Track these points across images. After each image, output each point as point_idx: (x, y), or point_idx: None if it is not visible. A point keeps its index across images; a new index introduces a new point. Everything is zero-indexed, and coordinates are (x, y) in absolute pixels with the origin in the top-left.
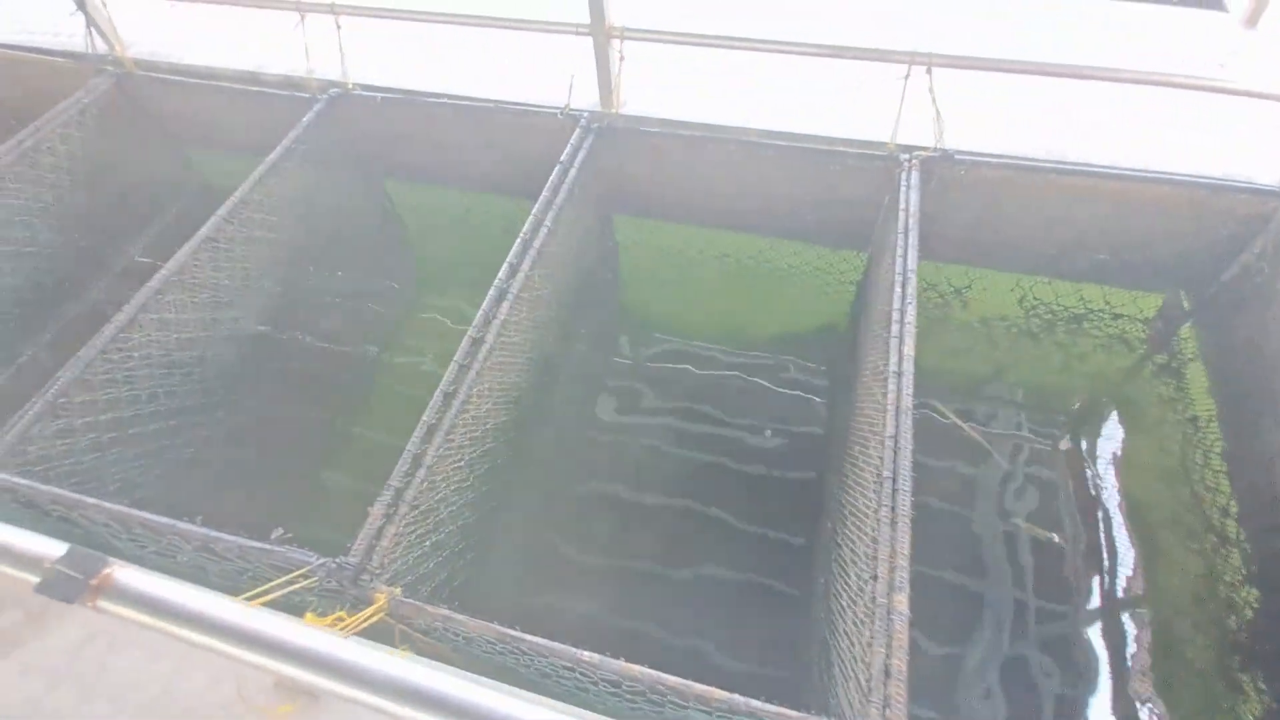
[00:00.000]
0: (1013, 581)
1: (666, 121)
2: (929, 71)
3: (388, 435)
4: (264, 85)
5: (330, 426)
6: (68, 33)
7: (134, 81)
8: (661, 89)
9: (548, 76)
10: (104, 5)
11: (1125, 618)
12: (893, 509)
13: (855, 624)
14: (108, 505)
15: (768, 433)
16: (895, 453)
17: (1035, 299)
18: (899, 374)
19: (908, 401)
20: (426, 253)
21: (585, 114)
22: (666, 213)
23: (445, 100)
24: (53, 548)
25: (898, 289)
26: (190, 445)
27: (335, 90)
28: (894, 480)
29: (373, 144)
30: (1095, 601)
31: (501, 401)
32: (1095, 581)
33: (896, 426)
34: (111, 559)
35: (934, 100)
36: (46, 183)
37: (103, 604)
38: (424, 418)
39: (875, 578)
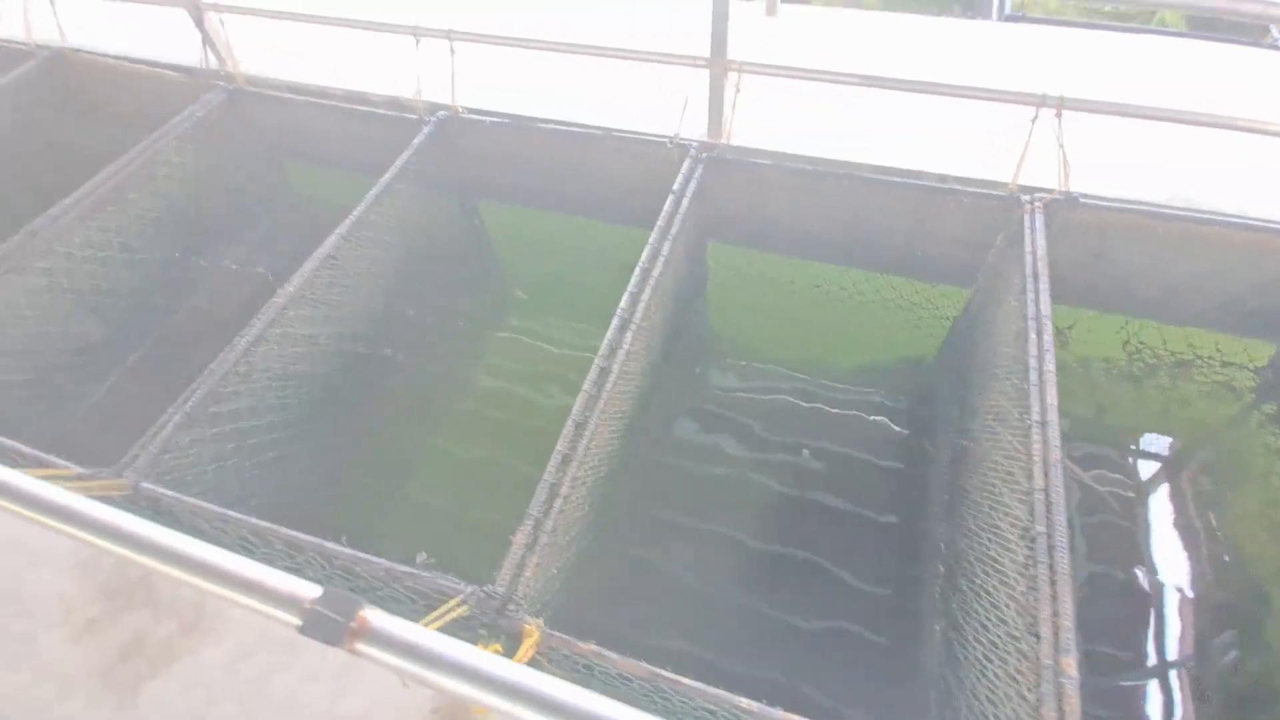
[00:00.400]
0: (1107, 629)
1: (776, 154)
2: (1058, 115)
3: (472, 451)
4: (371, 105)
5: (419, 442)
6: (182, 47)
7: (243, 97)
8: (771, 120)
9: (638, 103)
10: (222, 25)
11: (1226, 671)
12: (1050, 567)
13: (1006, 679)
14: (252, 520)
15: (805, 453)
16: (1048, 508)
17: (1140, 343)
18: (1043, 424)
19: (1056, 454)
20: (513, 273)
21: (694, 144)
22: (763, 242)
23: (554, 125)
24: (306, 588)
25: (1032, 335)
26: (294, 458)
27: (443, 113)
28: (1049, 537)
29: (473, 166)
30: (1196, 654)
31: (616, 430)
32: (1197, 633)
33: (1046, 481)
34: (361, 599)
35: (1061, 144)
36: (161, 193)
37: (360, 647)
38: (558, 447)
39: (1038, 637)
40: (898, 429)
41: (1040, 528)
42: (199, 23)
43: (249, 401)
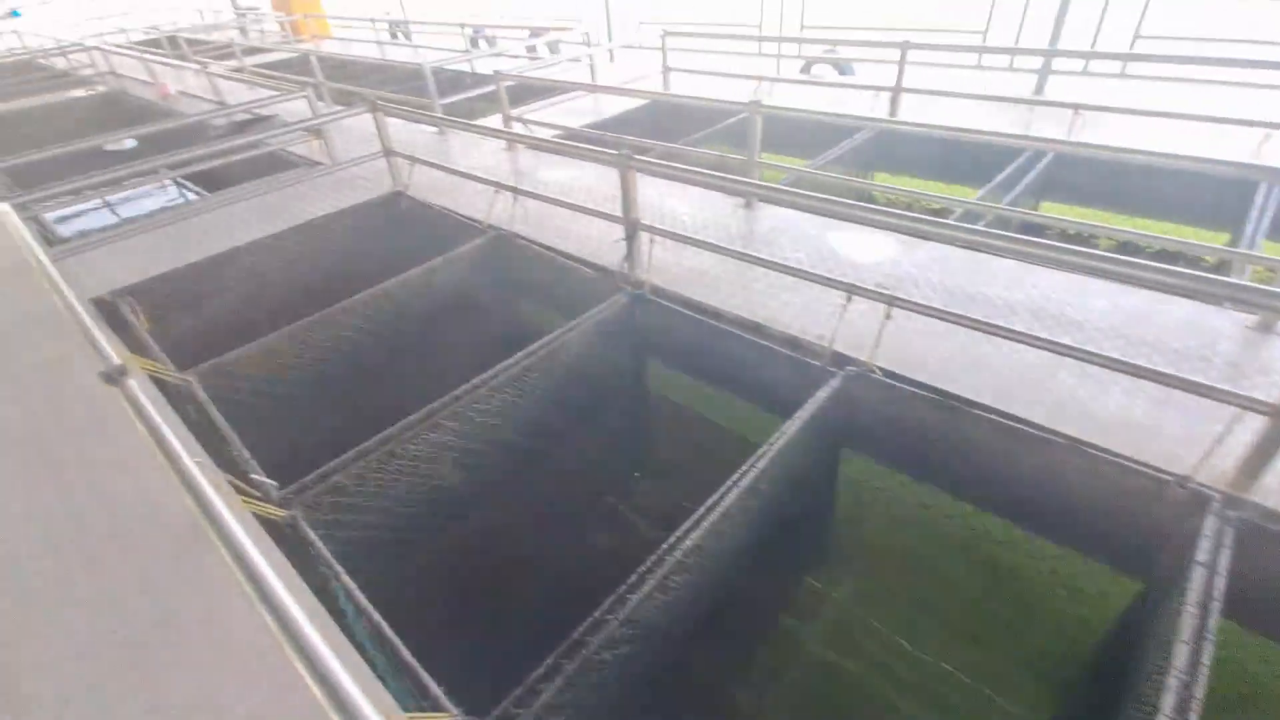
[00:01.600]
0: None
1: None
2: None
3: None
4: (768, 339)
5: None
6: (603, 249)
7: (644, 303)
8: None
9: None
10: (649, 242)
11: None
12: None
13: None
14: None
15: None
16: None
17: None
18: None
19: None
20: (851, 531)
21: (1216, 494)
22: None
23: (998, 418)
24: None
25: None
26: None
27: (852, 369)
28: None
29: (860, 418)
30: None
31: None
32: None
33: None
34: None
35: None
36: (553, 376)
37: None
38: None
39: None
40: None
41: None
42: (630, 237)
43: (612, 652)
